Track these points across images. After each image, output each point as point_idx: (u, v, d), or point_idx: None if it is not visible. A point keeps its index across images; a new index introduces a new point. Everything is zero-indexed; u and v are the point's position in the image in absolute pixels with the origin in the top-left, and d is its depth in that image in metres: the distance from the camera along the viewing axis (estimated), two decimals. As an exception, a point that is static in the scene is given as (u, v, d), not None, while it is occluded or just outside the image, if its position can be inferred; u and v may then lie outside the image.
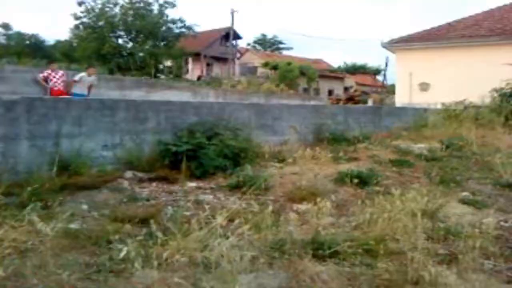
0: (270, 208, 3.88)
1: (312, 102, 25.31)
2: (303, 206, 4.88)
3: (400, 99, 23.37)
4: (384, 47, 25.43)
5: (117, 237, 3.52)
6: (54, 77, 12.67)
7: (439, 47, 22.91)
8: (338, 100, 30.88)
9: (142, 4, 35.11)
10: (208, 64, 47.63)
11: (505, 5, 24.18)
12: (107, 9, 34.54)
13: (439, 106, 16.39)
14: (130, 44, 36.02)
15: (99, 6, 34.41)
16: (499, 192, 6.26)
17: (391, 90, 35.86)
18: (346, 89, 50.09)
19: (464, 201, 5.52)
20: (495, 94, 16.85)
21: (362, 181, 6.03)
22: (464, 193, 6.00)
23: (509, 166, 7.50)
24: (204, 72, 45.23)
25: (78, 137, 5.98)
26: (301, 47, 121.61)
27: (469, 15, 24.41)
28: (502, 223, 4.66)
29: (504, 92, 16.70)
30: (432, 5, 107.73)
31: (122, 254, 3.04)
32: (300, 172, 6.53)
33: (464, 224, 4.37)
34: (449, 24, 24.25)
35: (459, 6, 71.95)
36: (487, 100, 16.65)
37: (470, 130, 11.67)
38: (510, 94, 16.27)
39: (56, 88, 12.50)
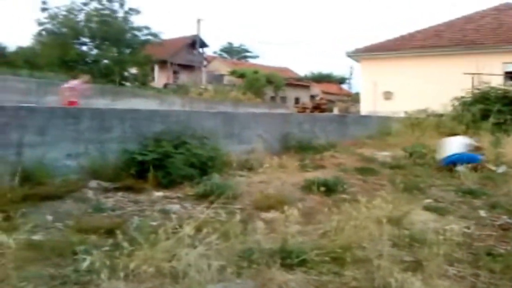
0: (238, 217, 3.86)
1: (279, 110, 25.48)
2: (270, 215, 4.89)
3: (365, 107, 23.79)
4: (349, 56, 25.87)
5: (82, 248, 3.45)
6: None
7: (402, 56, 23.45)
8: (304, 108, 31.11)
9: (107, 11, 34.68)
10: (174, 72, 47.33)
11: (464, 16, 24.94)
12: (71, 15, 33.97)
13: (402, 115, 16.74)
14: (94, 51, 35.50)
15: (64, 12, 33.83)
16: (461, 198, 6.41)
17: (356, 98, 36.39)
18: (312, 97, 50.58)
19: (427, 208, 5.64)
20: (456, 103, 17.32)
21: (329, 189, 6.07)
22: (428, 200, 6.13)
23: (470, 173, 7.71)
24: (171, 79, 44.95)
25: (41, 146, 5.84)
26: (268, 56, 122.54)
27: (430, 26, 25.08)
28: (464, 229, 4.77)
29: (464, 100, 17.18)
30: (396, 16, 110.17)
31: (87, 266, 2.98)
32: (268, 181, 6.55)
33: (428, 231, 4.45)
34: (411, 34, 24.85)
35: (422, 17, 73.83)
36: (449, 109, 17.09)
37: (432, 138, 11.95)
38: (471, 103, 16.75)
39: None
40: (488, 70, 18.41)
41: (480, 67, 18.33)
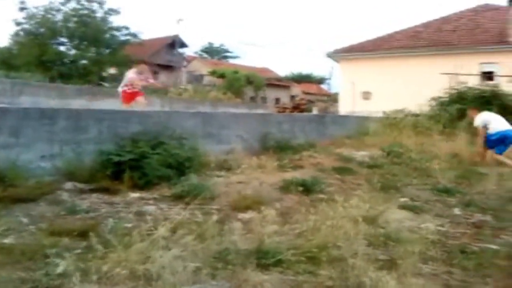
0: (215, 217, 3.85)
1: (259, 111, 25.49)
2: (247, 215, 4.87)
3: (344, 107, 23.96)
4: (329, 56, 26.03)
5: (54, 251, 3.39)
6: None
7: (380, 57, 23.69)
8: (284, 109, 31.17)
9: (86, 11, 34.35)
10: (154, 72, 47.04)
11: (442, 17, 25.29)
12: (49, 15, 33.56)
13: (380, 115, 16.89)
14: (73, 51, 35.12)
15: (42, 12, 33.40)
16: (436, 197, 6.49)
17: (335, 98, 36.62)
18: (292, 97, 50.76)
19: (403, 207, 5.68)
20: (433, 103, 17.53)
21: (307, 188, 6.10)
22: (404, 199, 6.18)
23: (446, 172, 7.81)
24: (150, 80, 44.66)
25: (14, 147, 5.72)
26: (248, 56, 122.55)
27: (409, 27, 25.37)
28: (439, 227, 4.83)
29: (441, 100, 17.40)
30: (381, 17, 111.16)
31: (59, 269, 2.93)
32: (246, 181, 6.54)
33: (404, 229, 4.50)
34: (390, 35, 25.11)
35: (402, 17, 74.56)
36: (426, 109, 17.29)
37: (410, 138, 12.11)
38: (448, 103, 16.96)
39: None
40: (465, 71, 18.69)
41: (457, 67, 18.60)
